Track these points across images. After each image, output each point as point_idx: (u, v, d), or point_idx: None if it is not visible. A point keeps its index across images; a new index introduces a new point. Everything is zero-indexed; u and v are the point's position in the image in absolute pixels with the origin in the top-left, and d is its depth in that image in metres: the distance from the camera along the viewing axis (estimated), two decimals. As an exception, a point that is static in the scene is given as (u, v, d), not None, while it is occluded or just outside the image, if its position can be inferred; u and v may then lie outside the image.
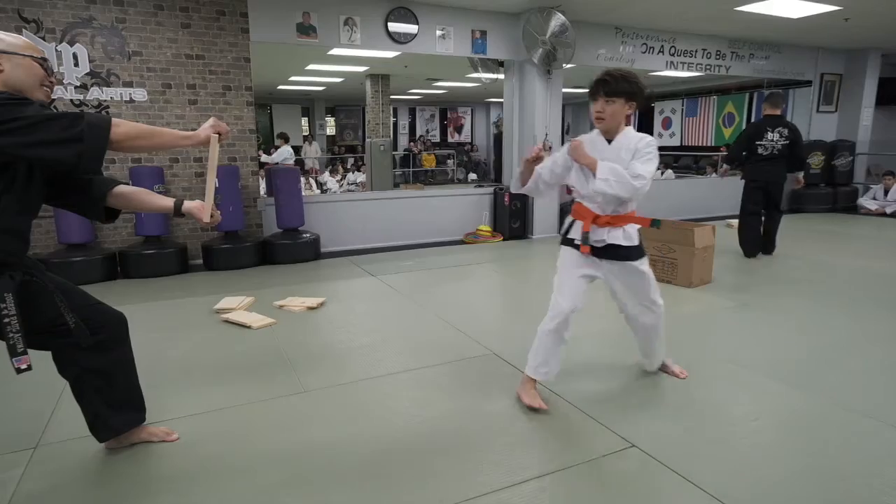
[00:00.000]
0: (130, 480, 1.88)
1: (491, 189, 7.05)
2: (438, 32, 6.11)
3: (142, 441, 2.06)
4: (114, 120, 1.62)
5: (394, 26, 5.84)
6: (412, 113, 18.89)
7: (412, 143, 17.43)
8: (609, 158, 2.18)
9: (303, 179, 7.42)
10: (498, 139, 16.39)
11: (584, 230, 2.27)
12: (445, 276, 4.85)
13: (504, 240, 6.68)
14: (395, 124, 17.62)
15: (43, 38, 4.51)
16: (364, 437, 2.15)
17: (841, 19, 6.75)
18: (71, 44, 4.64)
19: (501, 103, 8.45)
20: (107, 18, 4.74)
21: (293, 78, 12.10)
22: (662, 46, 7.40)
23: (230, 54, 5.20)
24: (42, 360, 1.83)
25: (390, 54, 7.40)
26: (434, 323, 3.53)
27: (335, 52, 7.51)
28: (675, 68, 7.64)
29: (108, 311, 1.92)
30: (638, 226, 2.35)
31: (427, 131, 18.90)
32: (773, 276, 4.73)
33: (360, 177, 11.80)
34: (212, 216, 1.90)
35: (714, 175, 10.45)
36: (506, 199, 6.69)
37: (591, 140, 2.28)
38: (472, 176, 16.40)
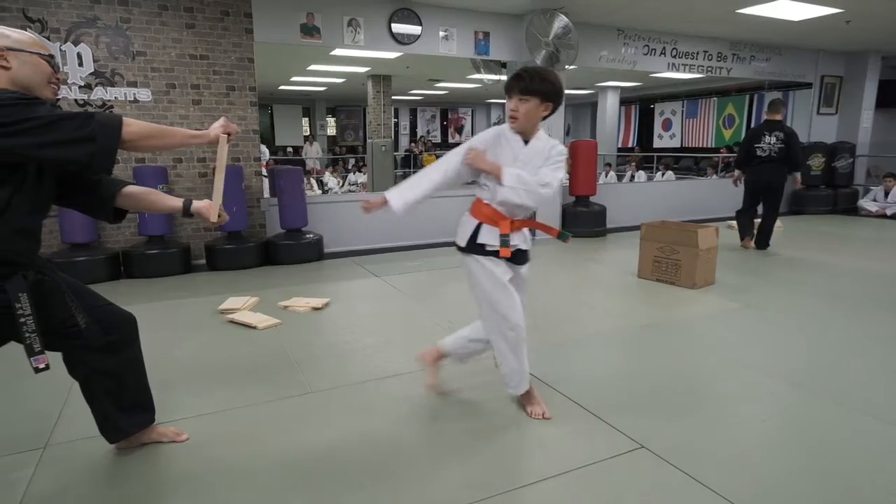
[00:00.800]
0: (141, 482, 1.88)
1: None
2: (441, 33, 6.12)
3: (152, 441, 2.06)
4: (125, 119, 1.63)
5: (397, 27, 5.85)
6: (413, 113, 18.92)
7: (413, 144, 17.43)
8: (523, 160, 2.11)
9: (304, 179, 7.41)
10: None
11: (502, 233, 2.12)
12: (449, 276, 4.85)
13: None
14: (396, 125, 17.63)
15: (48, 38, 4.51)
16: (372, 438, 2.16)
17: (842, 22, 6.77)
18: (75, 43, 4.65)
19: (502, 104, 8.45)
20: (111, 18, 4.74)
21: (294, 78, 12.11)
22: (664, 48, 7.42)
23: (234, 55, 5.20)
24: (49, 359, 1.83)
25: (393, 55, 7.41)
26: (438, 324, 3.54)
27: (337, 52, 7.51)
28: (677, 70, 7.66)
29: (119, 311, 1.92)
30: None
31: (428, 132, 18.92)
32: (775, 277, 4.75)
33: (361, 177, 11.81)
34: (219, 216, 1.91)
35: (714, 177, 10.50)
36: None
37: (506, 138, 2.14)
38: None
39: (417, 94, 15.80)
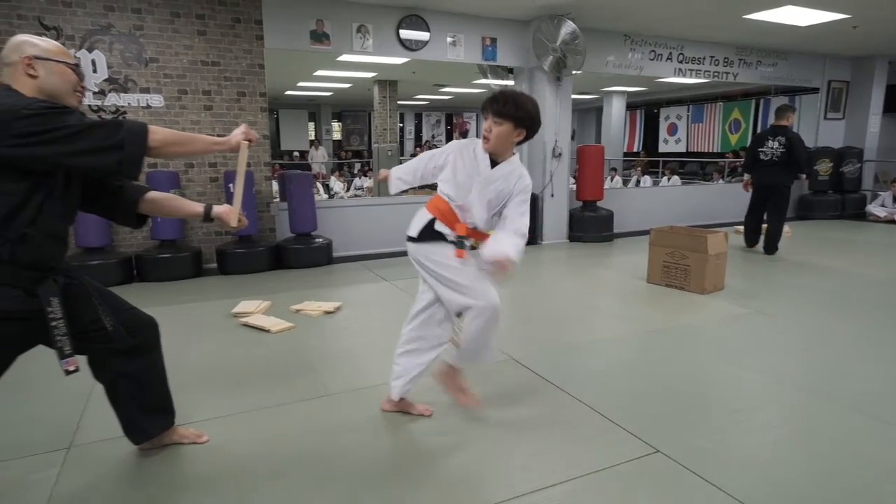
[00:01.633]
0: (163, 482, 1.91)
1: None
2: (449, 39, 6.17)
3: (173, 443, 2.10)
4: (151, 127, 1.66)
5: (405, 33, 5.90)
6: (418, 118, 18.98)
7: (418, 149, 17.49)
8: (483, 181, 2.08)
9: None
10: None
11: (459, 234, 2.13)
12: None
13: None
14: (402, 129, 17.70)
15: (63, 45, 4.57)
16: (390, 441, 2.19)
17: (849, 27, 6.79)
18: (90, 50, 4.71)
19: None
20: (125, 25, 4.80)
21: (301, 83, 12.19)
22: (671, 53, 7.45)
23: (245, 61, 5.26)
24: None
25: (400, 61, 7.46)
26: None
27: (344, 58, 7.56)
28: (683, 75, 7.68)
29: (142, 315, 1.95)
30: None
31: (433, 136, 18.98)
32: (783, 282, 4.76)
33: (367, 182, 11.85)
34: (239, 220, 1.95)
35: (720, 181, 10.51)
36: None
37: (475, 154, 2.12)
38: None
39: (423, 98, 15.86)
